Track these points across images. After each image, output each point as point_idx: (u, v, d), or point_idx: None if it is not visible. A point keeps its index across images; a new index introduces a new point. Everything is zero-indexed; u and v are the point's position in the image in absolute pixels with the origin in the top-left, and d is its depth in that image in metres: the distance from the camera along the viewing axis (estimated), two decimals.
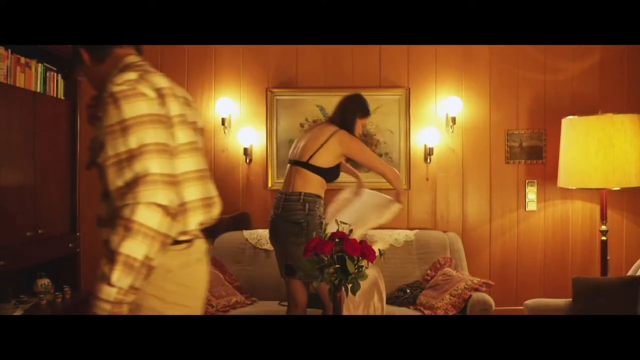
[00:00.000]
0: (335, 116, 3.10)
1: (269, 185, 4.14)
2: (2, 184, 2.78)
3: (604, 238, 3.70)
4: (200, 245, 1.65)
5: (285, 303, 3.20)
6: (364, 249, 2.12)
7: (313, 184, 2.94)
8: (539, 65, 4.17)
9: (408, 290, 3.69)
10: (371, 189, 3.26)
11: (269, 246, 3.44)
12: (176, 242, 1.51)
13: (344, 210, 3.08)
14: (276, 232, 2.98)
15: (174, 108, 1.53)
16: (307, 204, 2.88)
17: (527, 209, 4.17)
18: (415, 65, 4.17)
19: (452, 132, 4.14)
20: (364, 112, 3.11)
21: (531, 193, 4.17)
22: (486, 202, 4.18)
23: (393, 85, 4.16)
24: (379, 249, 2.20)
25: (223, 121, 4.07)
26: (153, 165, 1.37)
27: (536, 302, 3.23)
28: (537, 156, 4.17)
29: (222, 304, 3.45)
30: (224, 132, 4.12)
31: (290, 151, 3.13)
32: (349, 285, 2.13)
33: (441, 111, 4.16)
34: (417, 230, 3.99)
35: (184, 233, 1.53)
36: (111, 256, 1.32)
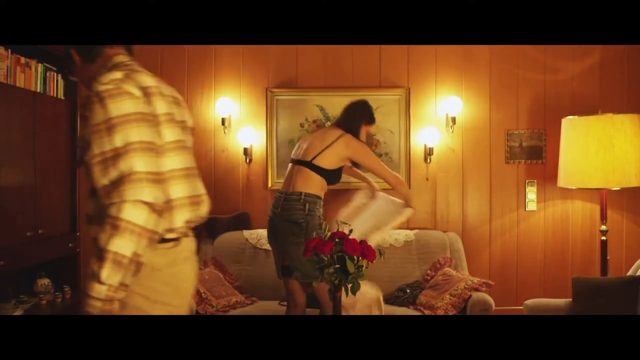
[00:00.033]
0: (341, 120, 3.15)
1: (269, 185, 4.14)
2: (2, 184, 2.77)
3: (604, 238, 3.70)
4: (188, 243, 1.65)
5: (285, 303, 3.21)
6: (364, 249, 2.12)
7: (314, 185, 2.94)
8: (539, 65, 4.17)
9: (408, 290, 3.69)
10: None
11: (269, 246, 3.44)
12: (163, 241, 1.52)
13: (361, 214, 3.10)
14: (275, 231, 2.98)
15: (161, 106, 1.53)
16: (307, 204, 2.88)
17: (527, 209, 4.17)
18: (415, 65, 4.17)
19: (452, 132, 4.14)
20: (370, 119, 3.16)
21: (531, 193, 4.17)
22: (486, 202, 4.19)
23: (393, 85, 4.16)
24: (379, 250, 2.20)
25: (223, 121, 4.07)
26: (138, 163, 1.38)
27: (536, 302, 3.23)
28: (537, 156, 4.17)
29: (222, 304, 3.45)
30: (224, 132, 4.11)
31: (293, 152, 3.15)
32: (349, 285, 2.13)
33: (441, 111, 4.16)
34: (417, 230, 3.99)
35: (171, 230, 1.53)
36: (100, 254, 1.34)
